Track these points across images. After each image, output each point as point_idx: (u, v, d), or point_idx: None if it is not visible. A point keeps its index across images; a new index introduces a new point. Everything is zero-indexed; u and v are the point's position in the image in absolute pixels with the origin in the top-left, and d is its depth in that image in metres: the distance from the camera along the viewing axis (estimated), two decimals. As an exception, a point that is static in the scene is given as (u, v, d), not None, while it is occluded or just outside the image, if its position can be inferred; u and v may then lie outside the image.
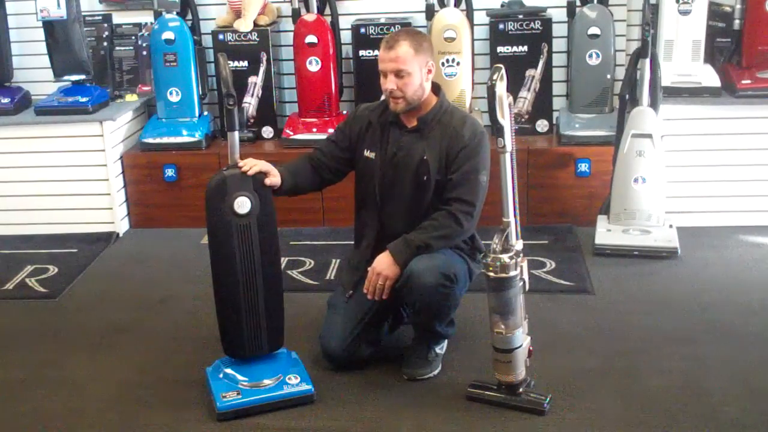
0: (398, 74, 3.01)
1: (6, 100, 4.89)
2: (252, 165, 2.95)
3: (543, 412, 2.88)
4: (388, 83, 3.03)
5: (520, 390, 2.92)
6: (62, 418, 3.03)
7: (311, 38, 4.84)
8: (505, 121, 2.74)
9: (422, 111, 3.12)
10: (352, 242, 3.38)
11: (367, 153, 3.19)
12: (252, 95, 4.96)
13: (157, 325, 3.73)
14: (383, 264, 3.03)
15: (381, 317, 3.26)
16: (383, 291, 3.03)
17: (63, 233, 4.80)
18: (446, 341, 3.26)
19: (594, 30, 4.67)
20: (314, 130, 4.82)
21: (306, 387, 3.00)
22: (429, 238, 3.02)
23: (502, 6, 4.93)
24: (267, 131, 5.04)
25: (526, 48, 4.78)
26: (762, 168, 4.45)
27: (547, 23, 4.78)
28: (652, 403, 2.94)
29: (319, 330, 3.28)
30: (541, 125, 4.87)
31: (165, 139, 4.89)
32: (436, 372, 3.17)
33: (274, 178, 3.00)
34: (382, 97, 3.16)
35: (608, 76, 4.74)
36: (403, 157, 3.13)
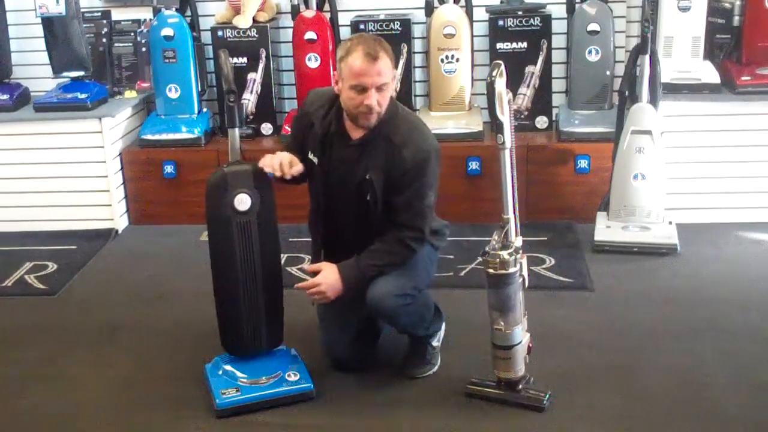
0: (380, 88, 2.80)
1: (5, 97, 4.88)
2: (278, 163, 2.85)
3: (542, 409, 2.88)
4: (372, 99, 2.79)
5: (520, 387, 2.92)
6: (61, 414, 3.03)
7: (310, 35, 4.84)
8: (505, 117, 2.74)
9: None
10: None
11: (311, 155, 3.00)
12: (251, 92, 4.95)
13: (156, 321, 3.72)
14: (329, 280, 2.92)
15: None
16: (320, 301, 2.99)
17: (62, 230, 4.79)
18: (441, 331, 3.27)
19: (593, 26, 4.66)
20: (313, 126, 4.81)
21: (305, 384, 3.00)
22: (381, 265, 2.92)
23: (501, 2, 4.92)
24: (266, 128, 5.04)
25: (525, 44, 4.78)
26: (762, 164, 4.45)
27: (547, 20, 4.78)
28: (652, 399, 2.94)
29: (318, 327, 3.28)
30: (541, 122, 4.87)
31: (164, 136, 4.88)
32: (436, 368, 3.17)
33: (298, 166, 2.89)
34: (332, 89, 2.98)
35: (608, 73, 4.73)
36: (344, 173, 2.96)
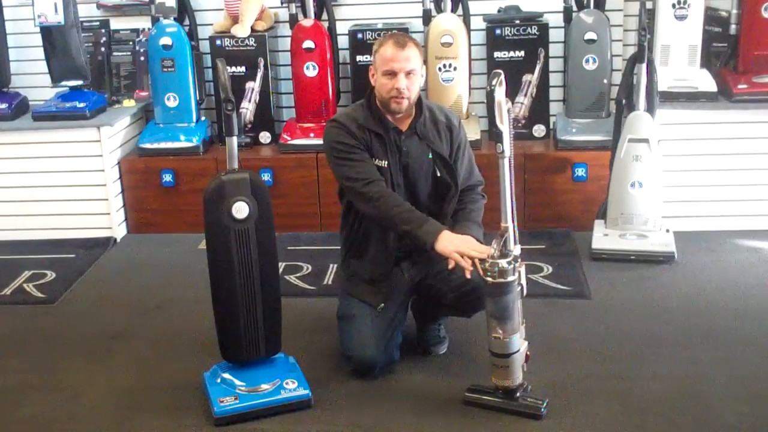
0: (408, 74, 3.06)
1: (4, 106, 4.89)
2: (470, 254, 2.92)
3: (540, 417, 2.88)
4: (400, 82, 3.04)
5: (517, 394, 2.93)
6: (60, 423, 3.03)
7: (308, 43, 4.85)
8: (504, 126, 2.75)
9: (411, 113, 3.17)
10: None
11: (377, 162, 3.17)
12: (249, 100, 4.97)
13: (154, 330, 3.73)
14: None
15: (404, 318, 3.30)
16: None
17: (61, 238, 4.80)
18: None
19: (590, 35, 4.67)
20: (311, 135, 4.83)
21: (303, 392, 3.01)
22: (480, 223, 3.23)
23: (499, 11, 4.94)
24: (264, 136, 5.05)
25: (522, 53, 4.79)
26: (759, 172, 4.46)
27: (544, 28, 4.79)
28: (649, 407, 2.94)
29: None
30: (538, 130, 4.88)
31: (162, 145, 4.90)
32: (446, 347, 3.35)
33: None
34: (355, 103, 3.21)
35: (605, 81, 4.74)
36: (413, 161, 3.18)
